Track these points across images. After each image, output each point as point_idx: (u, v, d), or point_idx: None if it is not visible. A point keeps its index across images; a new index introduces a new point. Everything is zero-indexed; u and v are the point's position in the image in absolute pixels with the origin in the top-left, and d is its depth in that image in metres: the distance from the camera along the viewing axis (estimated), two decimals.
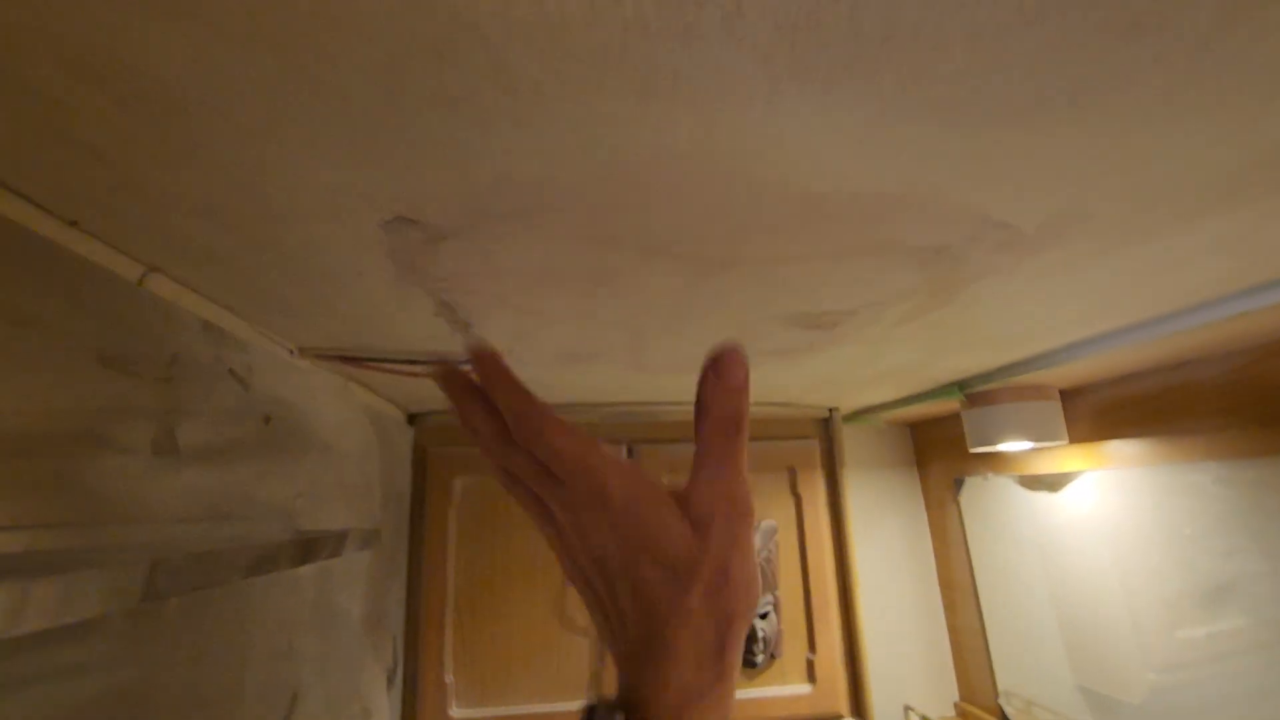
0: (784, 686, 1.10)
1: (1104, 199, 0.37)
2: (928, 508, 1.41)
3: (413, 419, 1.13)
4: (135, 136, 0.28)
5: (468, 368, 0.74)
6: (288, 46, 0.23)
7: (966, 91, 0.26)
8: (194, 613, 0.47)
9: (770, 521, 1.15)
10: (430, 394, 0.96)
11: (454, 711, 1.03)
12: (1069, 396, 0.99)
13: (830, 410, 1.22)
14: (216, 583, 0.35)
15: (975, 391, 0.95)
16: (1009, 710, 1.18)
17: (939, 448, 1.36)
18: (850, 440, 1.44)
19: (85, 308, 0.38)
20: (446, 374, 0.33)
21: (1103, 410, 0.94)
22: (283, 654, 0.61)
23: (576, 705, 1.05)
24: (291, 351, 0.65)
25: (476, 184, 0.32)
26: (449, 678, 1.04)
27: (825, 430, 1.23)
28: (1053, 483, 1.06)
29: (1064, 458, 1.02)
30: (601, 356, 0.72)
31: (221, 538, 0.47)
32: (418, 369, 0.70)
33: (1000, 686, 1.20)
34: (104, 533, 0.37)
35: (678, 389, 0.96)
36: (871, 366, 0.84)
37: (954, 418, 1.29)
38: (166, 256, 0.41)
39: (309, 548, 0.50)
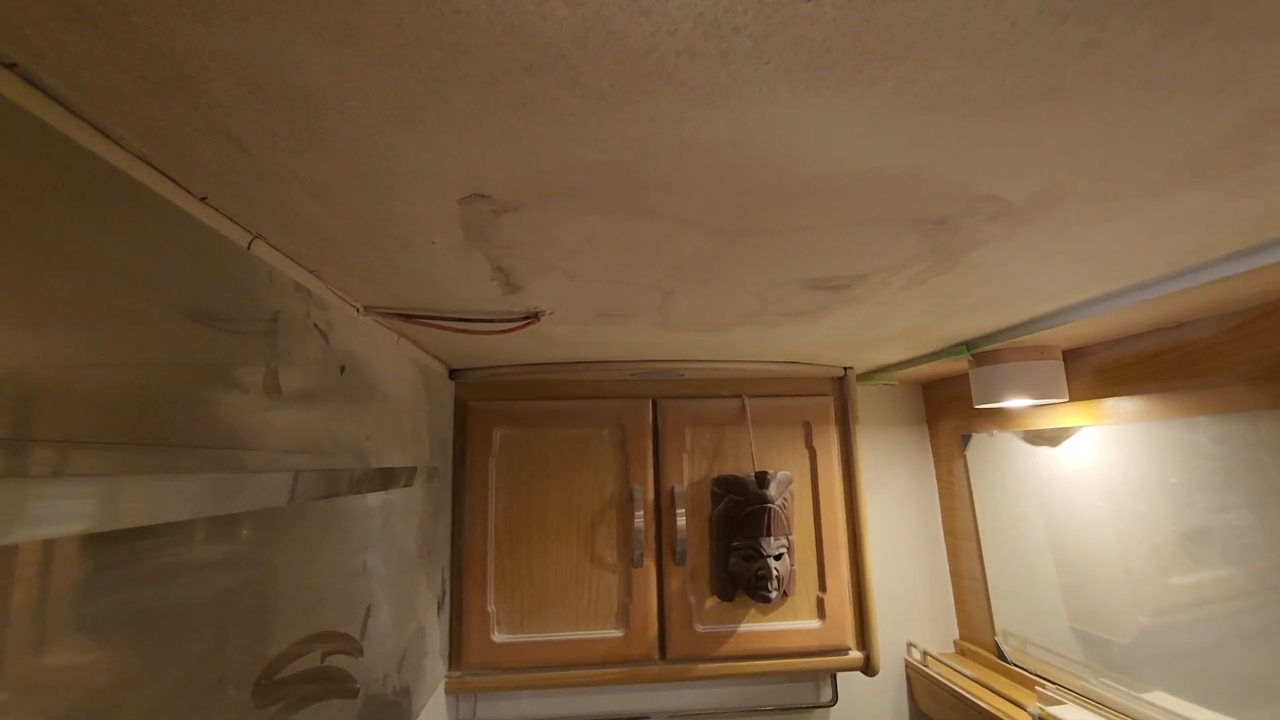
0: (795, 621, 1.20)
1: (1081, 177, 0.42)
2: (936, 462, 1.48)
3: (454, 374, 1.21)
4: (275, 131, 0.35)
5: (511, 327, 0.81)
6: (410, 64, 0.30)
7: (954, 92, 0.32)
8: (294, 529, 0.57)
9: (786, 472, 1.23)
10: (471, 351, 1.04)
11: (496, 636, 1.14)
12: (1071, 356, 1.05)
13: (845, 369, 1.28)
14: (334, 494, 0.43)
15: (982, 351, 1.01)
16: (1005, 649, 1.26)
17: (948, 406, 1.42)
18: (865, 399, 1.51)
19: (209, 269, 0.46)
20: None
21: (1102, 369, 1.00)
22: (359, 572, 0.71)
23: (608, 634, 1.16)
24: (358, 310, 0.73)
25: (541, 168, 0.39)
26: (490, 607, 1.15)
27: (840, 388, 1.30)
28: (1053, 438, 1.12)
29: (1065, 414, 1.08)
30: (632, 316, 0.79)
31: (320, 467, 0.55)
32: (469, 326, 0.77)
33: (998, 627, 1.28)
34: (236, 456, 0.45)
35: (699, 347, 1.03)
36: (882, 328, 0.90)
37: (963, 377, 1.35)
38: (272, 226, 0.49)
39: (389, 476, 0.58)
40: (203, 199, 0.44)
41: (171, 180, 0.41)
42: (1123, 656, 1.04)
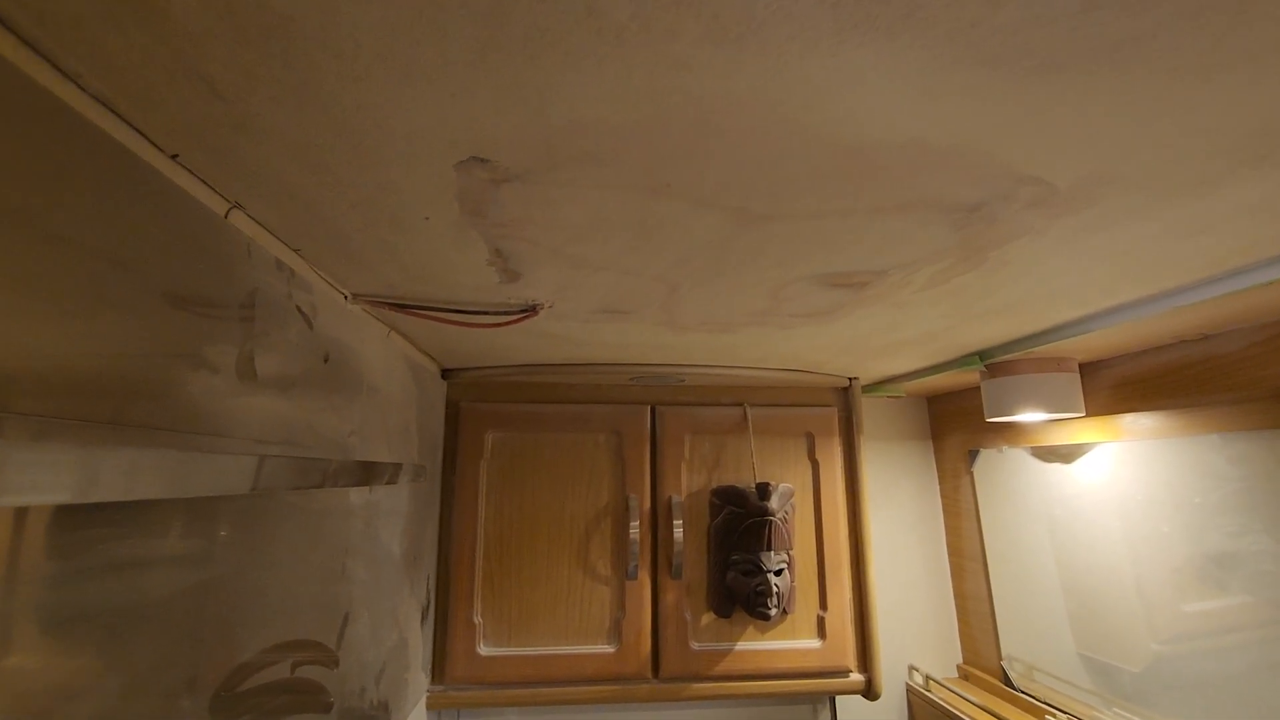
0: (795, 640, 1.15)
1: (1134, 158, 0.39)
2: (940, 478, 1.44)
3: (446, 374, 1.17)
4: (252, 71, 0.31)
5: (508, 320, 0.76)
6: None
7: (1016, 42, 0.29)
8: (265, 526, 0.52)
9: (788, 484, 1.18)
10: (465, 349, 1.00)
11: (481, 649, 1.09)
12: (1088, 369, 1.01)
13: (850, 379, 1.24)
14: (306, 485, 0.39)
15: (996, 361, 0.97)
16: (1011, 674, 1.22)
17: (955, 420, 1.38)
18: (869, 412, 1.47)
19: (179, 237, 0.42)
20: None
21: (1121, 383, 0.96)
22: (337, 576, 0.66)
23: (599, 649, 1.10)
24: (346, 297, 0.69)
25: (549, 125, 0.35)
26: (477, 618, 1.10)
27: (845, 399, 1.26)
28: (1067, 454, 1.09)
29: (1080, 430, 1.04)
30: (636, 312, 0.75)
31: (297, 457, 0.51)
32: (463, 318, 0.73)
33: (1004, 651, 1.24)
34: (200, 442, 0.41)
35: (704, 351, 0.99)
36: (895, 333, 0.86)
37: (970, 391, 1.31)
38: (251, 193, 0.45)
39: (370, 471, 0.54)
40: (174, 157, 0.40)
41: (138, 132, 0.37)
42: (1134, 685, 0.99)
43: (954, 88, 0.31)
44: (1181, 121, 0.35)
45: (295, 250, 0.56)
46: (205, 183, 0.44)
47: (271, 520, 0.52)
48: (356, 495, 0.71)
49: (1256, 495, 0.81)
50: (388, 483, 0.60)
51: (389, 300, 0.70)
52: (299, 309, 0.57)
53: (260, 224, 0.50)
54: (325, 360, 0.63)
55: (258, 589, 0.51)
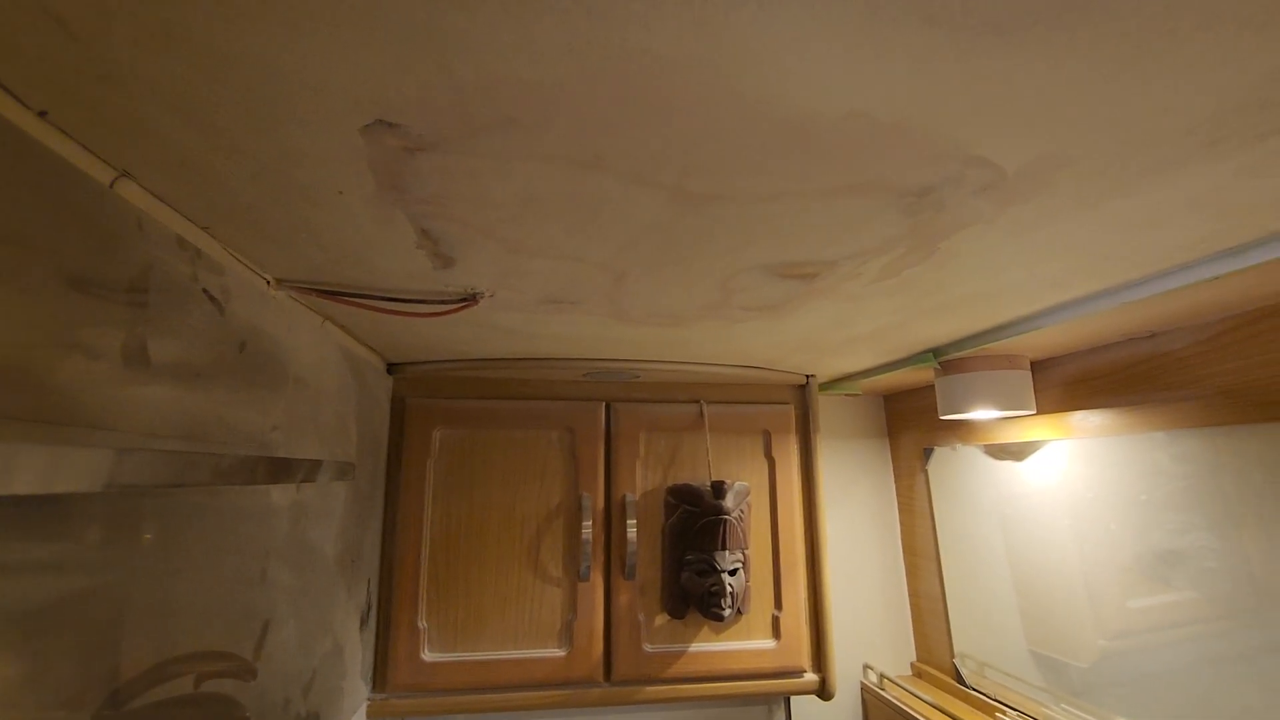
0: (749, 641, 1.13)
1: (1085, 141, 0.37)
2: (896, 477, 1.44)
3: (392, 368, 1.12)
4: (106, 7, 0.27)
5: (447, 309, 0.73)
6: None
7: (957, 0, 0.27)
8: (170, 528, 0.47)
9: (743, 482, 1.17)
10: (410, 342, 0.96)
11: (426, 655, 1.04)
12: (1039, 367, 1.02)
13: (807, 377, 1.23)
14: (185, 483, 0.35)
15: (949, 359, 0.97)
16: (964, 671, 1.22)
17: (910, 418, 1.39)
18: (825, 410, 1.47)
19: (54, 207, 0.37)
20: None
21: (1071, 381, 0.97)
22: (255, 581, 0.62)
23: (549, 653, 1.07)
24: (269, 283, 0.64)
25: (461, 84, 0.32)
26: (422, 623, 1.05)
27: (802, 396, 1.25)
28: (1018, 452, 1.09)
29: (1031, 427, 1.05)
30: (583, 303, 0.72)
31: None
32: (399, 307, 0.69)
33: (956, 649, 1.24)
34: (75, 433, 0.36)
35: (658, 346, 0.96)
36: (849, 329, 0.85)
37: (925, 390, 1.32)
38: (139, 160, 0.40)
39: (282, 467, 0.50)
40: (42, 114, 0.35)
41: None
42: (1082, 681, 1.00)
43: (893, 51, 0.29)
44: (1132, 100, 0.33)
45: (204, 228, 0.51)
46: (84, 146, 0.39)
47: (167, 522, 0.47)
48: (280, 495, 0.66)
49: (1200, 493, 0.82)
50: (303, 480, 0.56)
51: (317, 286, 0.66)
52: (207, 292, 0.52)
53: (156, 196, 0.45)
54: (241, 349, 0.58)
55: (151, 597, 0.46)
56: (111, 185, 0.42)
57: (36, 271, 0.36)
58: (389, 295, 0.68)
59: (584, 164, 0.40)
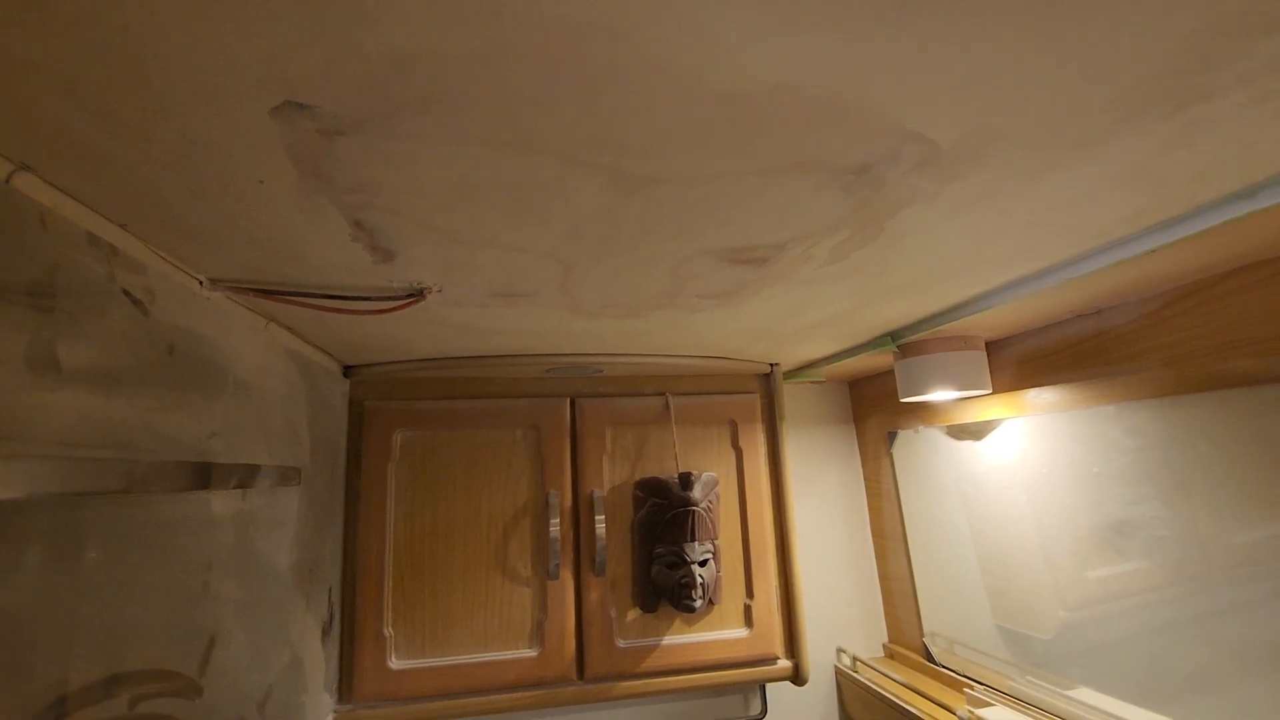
0: (722, 631, 1.13)
1: (1014, 113, 0.37)
2: (863, 461, 1.45)
3: (348, 371, 1.09)
4: None
5: (394, 306, 0.71)
6: None
7: None
8: (98, 542, 0.45)
9: (711, 473, 1.16)
10: (364, 343, 0.93)
11: (393, 663, 1.02)
12: (994, 347, 1.03)
13: (771, 365, 1.23)
14: (91, 490, 0.33)
15: (907, 342, 0.98)
16: (933, 650, 1.24)
17: (874, 403, 1.40)
18: (791, 397, 1.47)
19: None
20: None
21: (1024, 359, 0.98)
22: (197, 596, 0.59)
23: (520, 654, 1.05)
24: (201, 283, 0.61)
25: (370, 60, 0.30)
26: (388, 630, 1.03)
27: (766, 385, 1.25)
28: (977, 431, 1.11)
29: (988, 406, 1.06)
30: (535, 295, 0.71)
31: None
32: (342, 305, 0.67)
33: (926, 628, 1.26)
34: None
35: (618, 338, 0.95)
36: (806, 315, 0.85)
37: (888, 374, 1.33)
38: (37, 151, 0.38)
39: (210, 473, 0.47)
40: None
41: None
42: (1045, 653, 1.02)
43: (811, 18, 0.28)
44: (1058, 70, 0.33)
45: (120, 225, 0.48)
46: None
47: (94, 536, 0.45)
48: (222, 504, 0.64)
49: (1150, 464, 0.84)
50: (239, 486, 0.53)
51: (253, 286, 0.63)
52: (127, 293, 0.49)
53: (61, 190, 0.42)
54: (170, 352, 0.55)
55: (80, 615, 0.43)
56: (8, 180, 0.39)
57: None
58: (329, 292, 0.65)
59: (515, 146, 0.39)
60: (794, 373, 1.30)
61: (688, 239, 0.56)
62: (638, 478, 1.16)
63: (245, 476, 0.54)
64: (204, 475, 0.47)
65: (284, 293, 0.64)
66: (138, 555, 0.50)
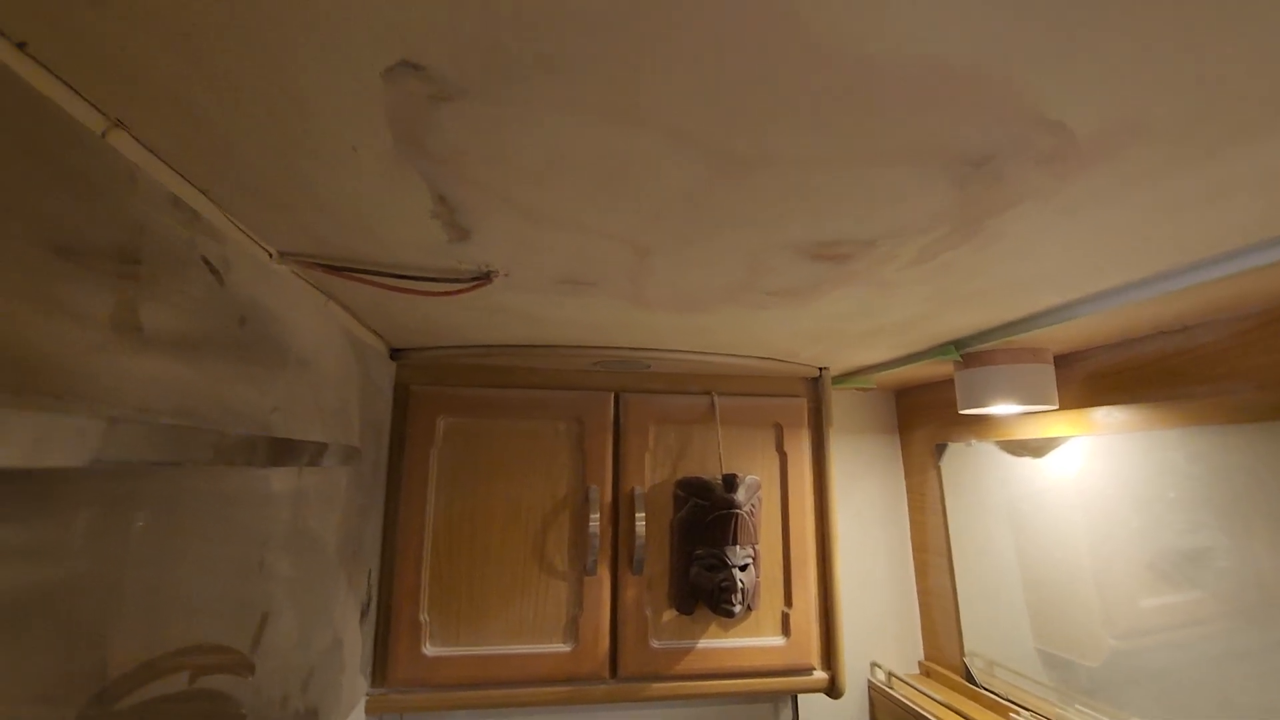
0: (758, 638, 1.11)
1: (1167, 102, 0.34)
2: (907, 473, 1.41)
3: (395, 354, 1.08)
4: None
5: (459, 289, 0.69)
6: None
7: None
8: (162, 513, 0.44)
9: (754, 476, 1.14)
10: (414, 326, 0.92)
11: (427, 649, 1.01)
12: (1062, 361, 0.99)
13: (821, 370, 1.20)
14: (184, 460, 0.32)
15: (971, 351, 0.94)
16: (974, 670, 1.20)
17: (923, 413, 1.36)
18: (835, 403, 1.44)
19: (38, 157, 0.34)
20: None
21: (1095, 375, 0.94)
22: (253, 571, 0.58)
23: (554, 649, 1.04)
24: (271, 255, 0.60)
25: (495, 12, 0.28)
26: (424, 616, 1.02)
27: (814, 389, 1.22)
28: (1037, 448, 1.07)
29: (1051, 423, 1.02)
30: (601, 284, 0.69)
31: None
32: (409, 285, 0.66)
33: (967, 647, 1.22)
34: (55, 404, 0.33)
35: (673, 334, 0.93)
36: (872, 319, 0.82)
37: (940, 384, 1.29)
38: (132, 105, 0.37)
39: (285, 449, 0.46)
40: (21, 45, 0.32)
41: None
42: (1091, 680, 0.98)
43: None
44: (1223, 55, 0.30)
45: (202, 190, 0.47)
46: (71, 88, 0.35)
47: (159, 506, 0.44)
48: (280, 480, 0.63)
49: (1212, 491, 0.80)
50: (309, 464, 0.52)
51: (321, 261, 0.62)
52: (206, 260, 0.49)
53: (150, 150, 0.42)
54: (242, 324, 0.54)
55: (143, 587, 0.43)
56: (103, 134, 0.38)
57: (15, 228, 0.32)
58: (397, 271, 0.64)
59: (619, 116, 0.37)
60: (843, 378, 1.26)
61: (774, 229, 0.53)
62: (679, 477, 1.13)
63: (315, 454, 0.53)
64: (280, 450, 0.45)
65: (352, 269, 0.63)
66: (205, 528, 0.49)
